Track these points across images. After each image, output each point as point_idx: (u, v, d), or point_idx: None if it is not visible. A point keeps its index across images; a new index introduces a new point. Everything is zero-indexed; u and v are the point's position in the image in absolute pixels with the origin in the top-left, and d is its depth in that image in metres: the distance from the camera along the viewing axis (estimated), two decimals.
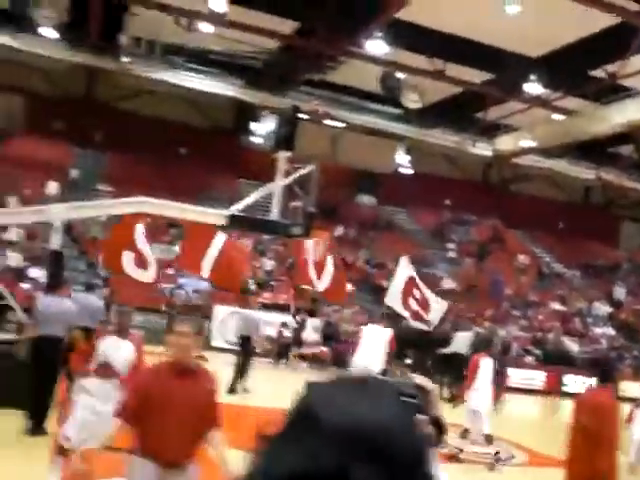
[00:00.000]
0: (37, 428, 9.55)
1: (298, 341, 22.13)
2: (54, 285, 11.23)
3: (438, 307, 15.32)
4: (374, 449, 0.95)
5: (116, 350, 7.08)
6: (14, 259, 20.56)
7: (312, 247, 13.78)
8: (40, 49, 26.51)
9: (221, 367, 13.68)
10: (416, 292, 14.49)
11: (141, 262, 11.56)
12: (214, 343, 21.77)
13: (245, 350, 15.74)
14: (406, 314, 15.02)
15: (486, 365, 11.99)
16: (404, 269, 14.54)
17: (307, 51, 24.74)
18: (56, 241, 12.09)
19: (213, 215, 12.54)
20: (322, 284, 14.28)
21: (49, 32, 25.41)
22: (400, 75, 25.57)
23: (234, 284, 13.37)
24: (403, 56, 23.94)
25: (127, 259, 11.36)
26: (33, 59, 28.23)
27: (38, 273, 20.51)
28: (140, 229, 11.60)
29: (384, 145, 33.48)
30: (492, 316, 27.16)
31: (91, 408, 6.76)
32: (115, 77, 29.83)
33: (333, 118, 29.73)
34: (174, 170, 28.14)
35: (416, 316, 15.10)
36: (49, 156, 28.31)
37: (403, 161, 34.18)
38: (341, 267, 15.30)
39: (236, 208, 12.57)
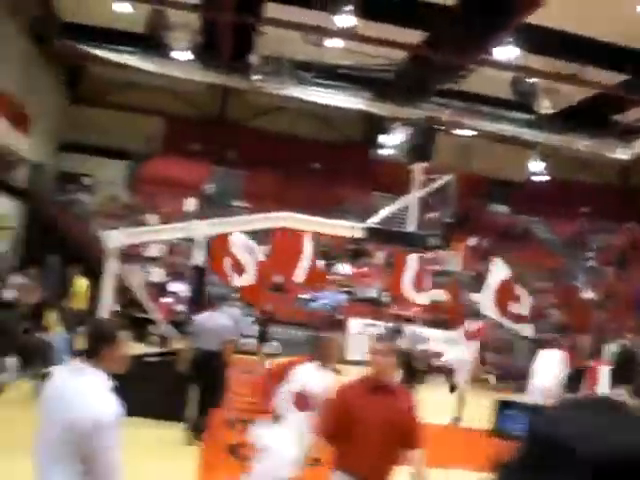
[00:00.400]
0: (194, 438, 9.85)
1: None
2: (203, 300, 11.57)
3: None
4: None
5: (315, 380, 6.40)
6: (156, 274, 21.31)
7: (414, 260, 13.87)
8: (176, 71, 27.43)
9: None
10: (511, 294, 14.10)
11: (238, 268, 12.27)
12: (350, 357, 21.76)
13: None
14: (504, 320, 14.68)
15: (604, 373, 11.45)
16: (498, 272, 14.10)
17: (436, 61, 24.55)
18: (199, 256, 12.44)
19: (351, 228, 12.60)
20: (420, 297, 14.29)
21: (183, 55, 26.26)
22: (532, 80, 25.00)
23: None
24: (534, 61, 23.40)
25: (226, 264, 12.24)
26: (170, 82, 29.38)
27: (179, 287, 21.21)
28: (236, 238, 12.27)
29: (517, 152, 32.76)
30: (636, 327, 26.00)
31: (276, 457, 6.33)
32: (246, 96, 30.63)
33: (465, 127, 29.37)
34: (307, 185, 28.48)
35: (517, 319, 14.73)
36: (187, 175, 29.34)
37: (537, 168, 33.26)
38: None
39: (372, 220, 12.58)
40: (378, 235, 12.69)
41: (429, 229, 12.84)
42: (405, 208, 12.69)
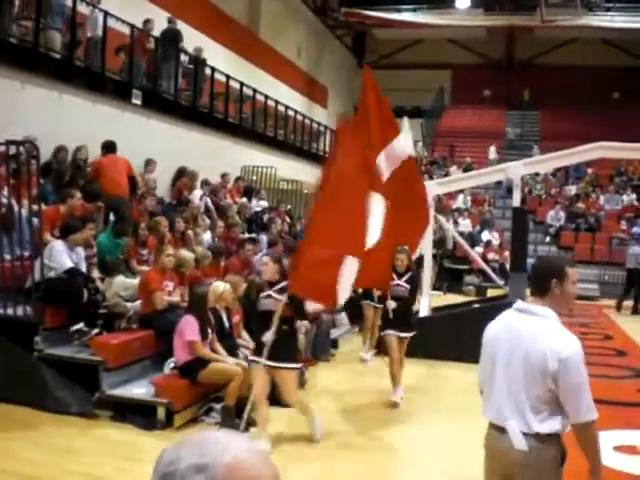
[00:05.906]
0: None
1: None
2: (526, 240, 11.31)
3: None
4: None
5: None
6: (465, 225, 21.25)
7: None
8: (459, 21, 27.37)
9: None
10: None
11: None
12: None
13: None
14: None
15: None
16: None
17: None
18: (517, 198, 12.10)
19: None
20: None
21: (463, 2, 27.14)
22: None
23: None
24: None
25: None
26: (450, 33, 29.47)
27: (489, 236, 21.02)
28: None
29: None
30: None
31: None
32: (534, 33, 29.56)
33: None
34: (607, 117, 26.61)
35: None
36: (482, 123, 29.10)
37: None
38: None
39: None
40: None
41: None
42: None
